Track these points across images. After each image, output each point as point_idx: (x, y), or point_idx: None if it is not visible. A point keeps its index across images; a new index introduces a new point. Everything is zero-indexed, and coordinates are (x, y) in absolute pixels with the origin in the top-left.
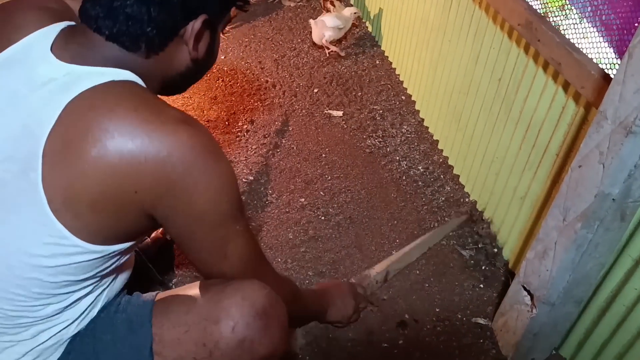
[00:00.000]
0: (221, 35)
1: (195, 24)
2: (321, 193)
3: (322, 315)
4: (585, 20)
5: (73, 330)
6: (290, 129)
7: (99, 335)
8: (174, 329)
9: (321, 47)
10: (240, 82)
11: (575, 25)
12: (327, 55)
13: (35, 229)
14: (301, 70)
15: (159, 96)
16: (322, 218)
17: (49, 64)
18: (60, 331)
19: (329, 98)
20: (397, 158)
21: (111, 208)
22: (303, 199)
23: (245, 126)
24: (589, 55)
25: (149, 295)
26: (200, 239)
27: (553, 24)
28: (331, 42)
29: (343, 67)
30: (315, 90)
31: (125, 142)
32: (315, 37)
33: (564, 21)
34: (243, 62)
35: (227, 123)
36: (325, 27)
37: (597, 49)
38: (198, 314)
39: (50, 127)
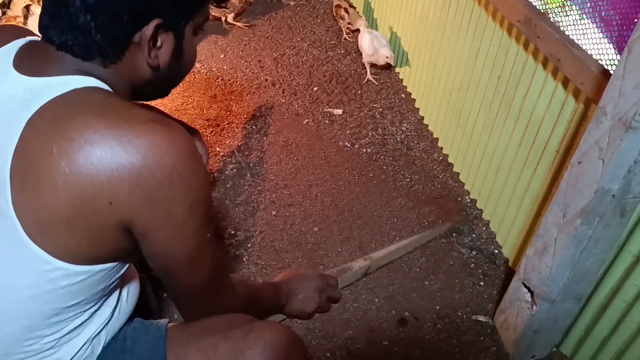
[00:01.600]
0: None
1: (147, 31)
2: (319, 195)
3: (281, 309)
4: (585, 17)
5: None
6: (290, 128)
7: None
8: None
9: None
10: (240, 81)
11: (576, 23)
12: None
13: (14, 258)
14: (301, 68)
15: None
16: (322, 219)
17: (9, 78)
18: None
19: (328, 96)
20: (398, 155)
21: (87, 224)
22: (300, 197)
23: (244, 125)
24: (590, 53)
25: (155, 329)
26: (178, 252)
27: (553, 21)
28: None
29: (342, 66)
30: (315, 89)
31: (94, 149)
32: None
33: (564, 19)
34: (242, 61)
35: (226, 122)
36: (361, 42)
37: (598, 46)
38: None
39: (13, 149)
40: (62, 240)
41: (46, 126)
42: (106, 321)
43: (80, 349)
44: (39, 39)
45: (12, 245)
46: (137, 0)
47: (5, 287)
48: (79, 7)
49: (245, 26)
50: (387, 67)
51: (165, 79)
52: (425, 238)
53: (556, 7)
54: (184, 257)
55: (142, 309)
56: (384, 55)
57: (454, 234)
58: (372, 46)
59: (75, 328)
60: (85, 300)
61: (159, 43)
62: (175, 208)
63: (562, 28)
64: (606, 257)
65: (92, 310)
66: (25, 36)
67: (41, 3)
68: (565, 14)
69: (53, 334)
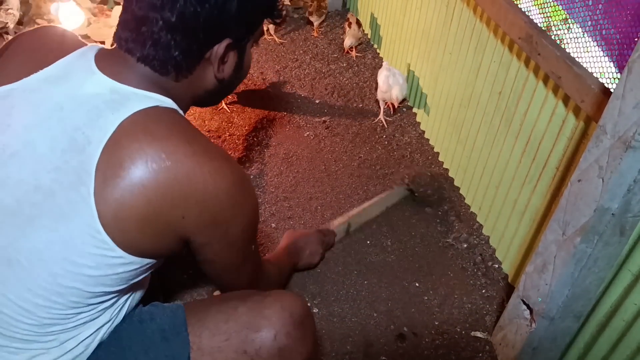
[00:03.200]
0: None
1: (219, 49)
2: (319, 208)
3: (293, 269)
4: (586, 34)
5: (98, 339)
6: (291, 140)
7: (126, 344)
8: (214, 337)
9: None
10: (242, 93)
11: (577, 39)
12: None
13: (84, 239)
14: (303, 81)
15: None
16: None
17: (94, 77)
18: (85, 339)
19: (330, 110)
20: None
21: (158, 228)
22: (300, 209)
23: (245, 136)
24: (591, 70)
25: (173, 306)
26: (226, 261)
27: (555, 38)
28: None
29: (344, 79)
30: (317, 102)
31: (180, 170)
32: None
33: (566, 35)
34: None
35: (227, 133)
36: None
37: (598, 63)
38: (238, 322)
39: (103, 145)
40: (131, 235)
41: (139, 136)
42: (129, 298)
43: (105, 323)
44: (99, 45)
45: (84, 230)
46: (212, 21)
47: (69, 264)
48: (161, 26)
49: (281, 41)
50: (393, 107)
51: (224, 89)
52: (392, 197)
53: (558, 21)
54: (231, 265)
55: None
56: (395, 94)
57: (453, 252)
58: (387, 83)
59: (106, 308)
60: (126, 287)
61: (225, 58)
62: (232, 228)
63: (563, 44)
64: (606, 275)
65: (125, 293)
66: (72, 36)
67: (119, 17)
68: (567, 29)
69: (90, 311)
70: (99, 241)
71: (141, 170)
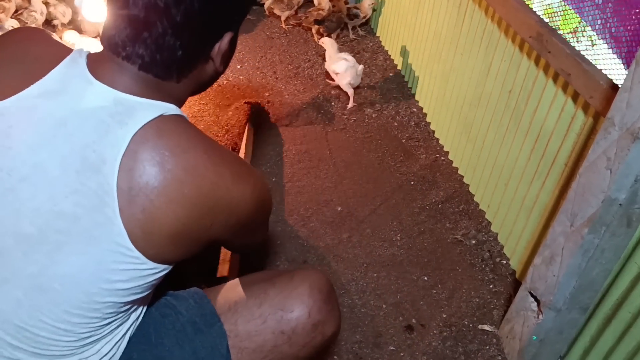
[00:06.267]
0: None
1: (222, 44)
2: (325, 210)
3: None
4: (596, 42)
5: (127, 338)
6: (303, 137)
7: (156, 341)
8: (250, 323)
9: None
10: (257, 90)
11: (587, 50)
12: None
13: (115, 258)
14: (315, 80)
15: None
16: (330, 228)
17: (93, 88)
18: (117, 341)
19: (342, 107)
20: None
21: (188, 238)
22: (311, 211)
23: (257, 134)
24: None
25: (193, 295)
26: (248, 240)
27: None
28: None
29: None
30: (326, 99)
31: (204, 183)
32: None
33: (575, 45)
34: (259, 72)
35: (237, 131)
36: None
37: (609, 72)
38: (272, 305)
39: (119, 163)
40: (162, 248)
41: (156, 153)
42: (145, 304)
43: (134, 322)
44: (85, 50)
45: (115, 249)
46: (217, 17)
47: (103, 282)
48: (165, 29)
49: (297, 24)
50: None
51: (217, 78)
52: None
53: (567, 32)
54: (252, 240)
55: None
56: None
57: (461, 246)
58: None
59: (135, 309)
60: (152, 290)
61: (226, 52)
62: (255, 222)
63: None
64: (612, 267)
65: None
66: (49, 39)
67: (108, 19)
68: (577, 40)
69: (122, 317)
70: (131, 257)
71: (165, 187)
